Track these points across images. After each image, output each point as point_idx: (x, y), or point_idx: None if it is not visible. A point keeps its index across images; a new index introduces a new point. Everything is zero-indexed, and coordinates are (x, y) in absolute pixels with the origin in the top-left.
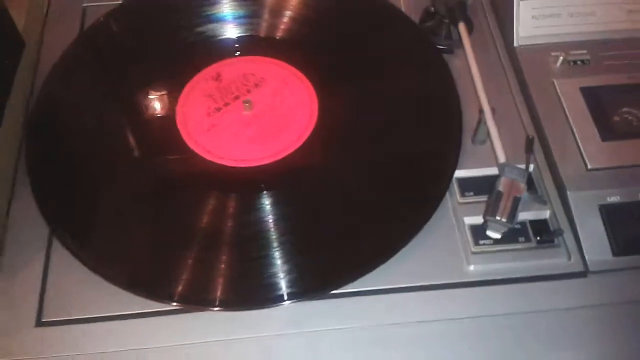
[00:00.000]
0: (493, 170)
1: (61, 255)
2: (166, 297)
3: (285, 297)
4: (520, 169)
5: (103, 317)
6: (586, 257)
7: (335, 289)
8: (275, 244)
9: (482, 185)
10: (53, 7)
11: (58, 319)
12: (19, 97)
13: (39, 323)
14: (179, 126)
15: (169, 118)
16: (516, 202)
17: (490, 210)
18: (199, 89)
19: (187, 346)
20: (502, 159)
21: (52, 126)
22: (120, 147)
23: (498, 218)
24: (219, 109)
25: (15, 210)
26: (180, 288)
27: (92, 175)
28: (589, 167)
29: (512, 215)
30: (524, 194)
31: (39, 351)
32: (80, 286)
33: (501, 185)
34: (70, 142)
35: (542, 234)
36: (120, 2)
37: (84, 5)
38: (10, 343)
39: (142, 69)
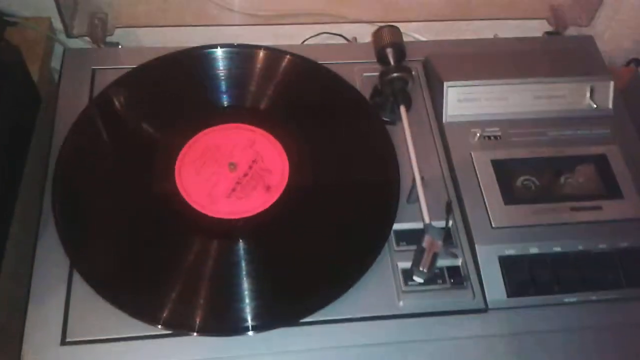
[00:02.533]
0: (422, 225)
1: (80, 286)
2: (156, 322)
3: (250, 328)
4: (439, 229)
5: (112, 338)
6: (487, 297)
7: (295, 322)
8: (245, 284)
9: (413, 237)
10: (65, 70)
11: (79, 339)
12: (38, 148)
13: (64, 342)
14: (177, 181)
15: (169, 173)
16: (435, 256)
17: (415, 262)
18: (194, 150)
19: None
20: (427, 220)
21: (72, 179)
22: (127, 197)
23: (421, 269)
24: (208, 169)
25: (40, 249)
26: (167, 315)
27: (104, 219)
28: (493, 225)
29: (431, 266)
30: (441, 249)
31: None
32: (97, 312)
33: (425, 243)
34: (87, 192)
35: (455, 277)
36: (121, 66)
37: (93, 67)
38: (44, 356)
39: (147, 128)
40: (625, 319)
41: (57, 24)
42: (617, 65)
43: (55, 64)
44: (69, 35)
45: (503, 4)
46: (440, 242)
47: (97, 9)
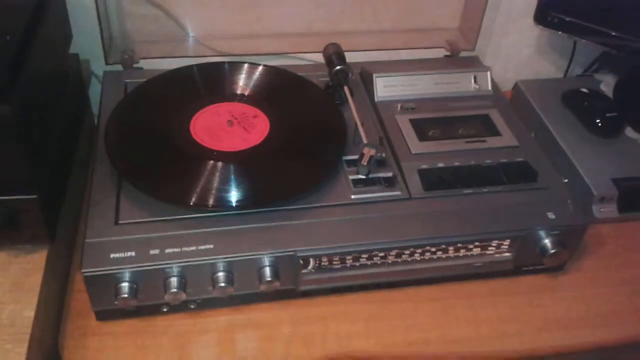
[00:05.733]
0: None
1: (126, 188)
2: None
3: (256, 206)
4: (373, 144)
5: (151, 220)
6: (410, 191)
7: (281, 205)
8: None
9: (356, 163)
10: (106, 83)
11: (126, 221)
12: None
13: (117, 223)
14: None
15: (186, 128)
16: (372, 157)
17: (358, 161)
18: (206, 114)
19: (194, 233)
20: (365, 141)
21: (119, 129)
22: (158, 137)
23: (363, 163)
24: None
25: (97, 171)
26: (195, 199)
27: (141, 151)
28: (412, 152)
29: (369, 163)
30: (375, 154)
31: (118, 235)
32: (139, 204)
33: (364, 150)
34: (131, 135)
35: (388, 182)
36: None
37: (126, 81)
38: (102, 231)
39: (171, 105)
40: (507, 203)
41: None
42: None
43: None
44: (107, 63)
45: (412, 38)
46: (374, 149)
47: (126, 47)
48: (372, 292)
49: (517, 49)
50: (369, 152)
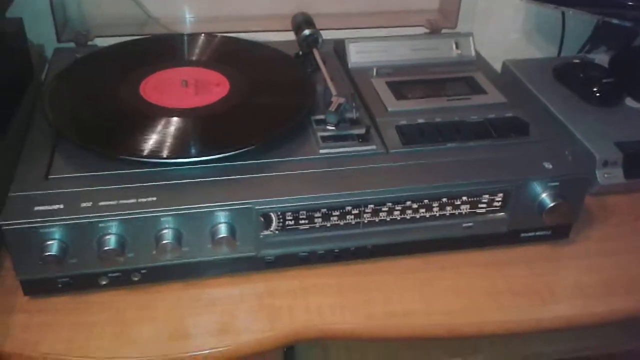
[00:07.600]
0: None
1: (63, 145)
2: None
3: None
4: (342, 96)
5: (83, 175)
6: (387, 145)
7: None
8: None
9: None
10: (55, 57)
11: (58, 176)
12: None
13: (47, 178)
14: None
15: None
16: (339, 105)
17: (326, 110)
18: (158, 76)
19: (135, 187)
20: (334, 93)
21: (64, 88)
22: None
23: (331, 109)
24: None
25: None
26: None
27: (85, 109)
28: (389, 110)
29: (337, 110)
30: (343, 102)
31: (47, 189)
32: (73, 158)
33: (333, 99)
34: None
35: (362, 137)
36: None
37: (77, 55)
38: (28, 185)
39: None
40: (497, 155)
41: None
42: None
43: None
44: (59, 40)
45: (392, 16)
46: (343, 98)
47: (82, 28)
48: (348, 263)
49: (503, 34)
50: (337, 100)
